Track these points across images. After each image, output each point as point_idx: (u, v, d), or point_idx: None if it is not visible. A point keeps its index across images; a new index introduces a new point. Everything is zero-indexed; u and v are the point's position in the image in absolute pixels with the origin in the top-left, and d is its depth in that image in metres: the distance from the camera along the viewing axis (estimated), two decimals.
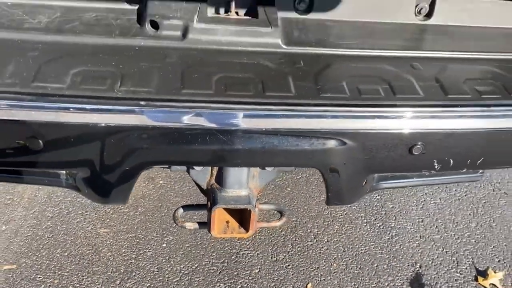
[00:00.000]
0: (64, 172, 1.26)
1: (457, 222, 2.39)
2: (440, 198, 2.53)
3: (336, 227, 2.31)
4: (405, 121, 1.08)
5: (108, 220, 2.24)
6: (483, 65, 1.25)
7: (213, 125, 1.00)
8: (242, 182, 1.20)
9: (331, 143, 1.08)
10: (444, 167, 1.19)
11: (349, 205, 2.39)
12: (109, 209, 2.27)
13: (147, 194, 2.40)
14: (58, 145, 1.02)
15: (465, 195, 2.57)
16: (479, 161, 1.20)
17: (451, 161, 1.18)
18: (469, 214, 2.44)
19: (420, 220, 2.39)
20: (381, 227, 2.33)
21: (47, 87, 0.99)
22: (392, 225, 2.34)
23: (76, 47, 1.12)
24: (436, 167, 1.18)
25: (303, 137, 1.06)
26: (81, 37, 1.15)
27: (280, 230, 2.25)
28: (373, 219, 2.37)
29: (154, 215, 2.29)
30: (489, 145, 1.16)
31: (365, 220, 2.36)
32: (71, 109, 0.97)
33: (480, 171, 1.52)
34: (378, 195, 2.50)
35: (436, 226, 2.36)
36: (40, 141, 1.00)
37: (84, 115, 0.97)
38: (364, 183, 1.30)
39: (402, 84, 1.13)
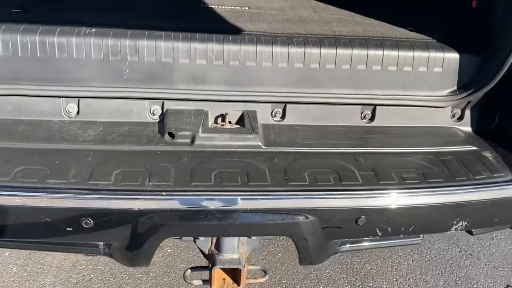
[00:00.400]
0: (103, 243, 1.68)
1: (427, 281, 2.75)
2: (412, 260, 2.90)
3: (321, 287, 2.67)
4: (349, 201, 1.52)
5: (124, 285, 2.60)
6: (409, 157, 1.71)
7: (212, 208, 1.44)
8: (234, 248, 1.62)
9: (298, 218, 1.51)
10: (384, 234, 1.61)
11: (330, 267, 2.75)
12: (125, 275, 2.64)
13: (157, 262, 2.78)
14: (104, 224, 1.45)
15: (435, 257, 2.93)
16: (410, 229, 1.62)
17: (389, 229, 1.60)
18: (438, 273, 2.80)
19: (395, 279, 2.75)
20: (360, 286, 2.68)
21: (98, 184, 1.44)
22: (370, 285, 2.70)
23: (116, 154, 1.59)
24: (378, 233, 1.60)
25: (277, 214, 1.50)
26: (119, 145, 1.62)
27: None
28: (354, 279, 2.73)
29: (164, 279, 2.65)
30: (414, 217, 1.59)
31: (346, 281, 2.72)
32: (115, 199, 1.42)
33: (420, 236, 1.92)
34: (358, 258, 2.87)
35: (409, 285, 2.72)
36: (92, 221, 1.44)
37: (124, 203, 1.42)
38: (328, 247, 1.71)
39: (347, 174, 1.58)
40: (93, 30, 1.69)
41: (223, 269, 1.61)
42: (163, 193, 1.43)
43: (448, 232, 1.92)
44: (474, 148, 1.80)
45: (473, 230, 1.86)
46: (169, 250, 2.87)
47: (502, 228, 1.95)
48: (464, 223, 1.64)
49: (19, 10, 1.88)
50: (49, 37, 1.66)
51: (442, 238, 3.09)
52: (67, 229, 1.45)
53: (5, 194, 1.40)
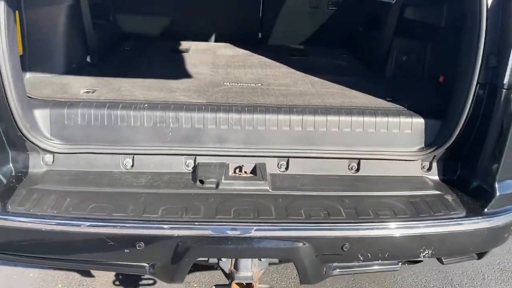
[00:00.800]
0: (148, 264, 2.18)
1: None
2: None
3: None
4: (335, 231, 2.01)
5: None
6: (385, 199, 2.20)
7: (231, 235, 1.95)
8: (248, 268, 2.10)
9: (296, 244, 2.00)
10: (365, 258, 2.07)
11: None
12: None
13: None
14: (152, 246, 1.96)
15: None
16: (386, 254, 2.08)
17: (368, 254, 2.06)
18: None
19: None
20: None
21: (150, 217, 1.97)
22: None
23: (161, 195, 2.13)
24: (360, 258, 2.06)
25: (280, 240, 1.99)
26: (163, 189, 2.17)
27: None
28: None
29: None
30: (387, 244, 2.06)
31: None
32: (161, 228, 1.95)
33: (398, 263, 2.35)
34: None
35: None
36: (143, 244, 1.95)
37: (168, 231, 1.94)
38: (322, 269, 2.17)
39: (334, 211, 2.08)
40: (146, 105, 2.31)
41: (239, 285, 2.09)
42: (196, 223, 1.96)
43: (421, 259, 2.34)
44: (439, 192, 2.28)
45: (442, 259, 2.30)
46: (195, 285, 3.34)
47: (469, 258, 2.36)
48: (430, 251, 2.09)
49: (89, 91, 2.53)
50: (113, 110, 2.27)
51: (437, 277, 3.46)
52: (125, 250, 1.97)
53: (83, 224, 1.95)
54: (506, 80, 2.07)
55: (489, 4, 2.07)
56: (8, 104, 2.04)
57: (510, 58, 2.04)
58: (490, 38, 2.08)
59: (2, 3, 1.94)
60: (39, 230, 1.94)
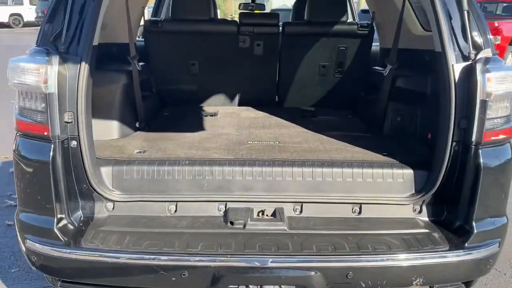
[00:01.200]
0: None
1: None
2: None
3: None
4: (340, 262, 2.48)
5: None
6: (382, 237, 2.67)
7: (256, 265, 2.44)
8: None
9: (310, 273, 2.47)
10: (366, 286, 2.52)
11: None
12: None
13: None
14: (193, 275, 2.46)
15: None
16: (384, 282, 2.53)
17: (369, 282, 2.52)
18: None
19: None
20: None
21: (192, 251, 2.49)
22: None
23: (200, 234, 2.65)
24: (363, 285, 2.52)
25: (296, 270, 2.47)
26: (201, 229, 2.69)
27: None
28: None
29: None
30: (384, 273, 2.51)
31: None
32: (202, 260, 2.45)
33: None
34: None
35: None
36: (187, 273, 2.45)
37: (206, 263, 2.44)
38: None
39: (340, 246, 2.55)
40: (186, 161, 2.89)
41: None
42: (228, 256, 2.47)
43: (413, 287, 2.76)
44: (427, 231, 2.74)
45: (435, 287, 2.72)
46: None
47: (457, 286, 2.77)
48: (421, 280, 2.54)
49: (141, 151, 3.14)
50: (161, 166, 2.86)
51: None
52: (173, 278, 2.47)
53: (140, 258, 2.47)
54: (473, 138, 2.60)
55: (457, 78, 2.63)
56: (84, 166, 2.64)
57: (475, 121, 2.58)
58: (459, 105, 2.63)
59: (82, 84, 2.57)
60: (106, 261, 2.47)
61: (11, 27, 35.42)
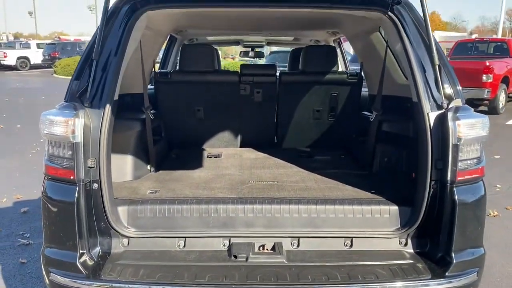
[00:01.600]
0: None
1: None
2: None
3: None
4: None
5: None
6: (370, 267, 2.95)
7: None
8: None
9: None
10: None
11: None
12: None
13: None
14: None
15: None
16: None
17: None
18: None
19: None
20: None
21: (200, 282, 2.77)
22: None
23: (206, 266, 2.94)
24: None
25: None
26: (207, 262, 2.98)
27: None
28: None
29: None
30: None
31: None
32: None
33: None
34: None
35: None
36: None
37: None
38: None
39: (332, 276, 2.83)
40: (194, 200, 3.22)
41: None
42: (233, 286, 2.75)
43: None
44: (412, 262, 3.03)
45: None
46: None
47: None
48: None
49: (153, 191, 3.48)
50: (171, 205, 3.18)
51: None
52: None
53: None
54: (449, 178, 2.93)
55: (431, 125, 3.00)
56: (104, 206, 2.97)
57: (449, 163, 2.92)
58: (435, 148, 2.98)
59: (104, 134, 2.94)
60: None
61: (18, 70, 36.50)
